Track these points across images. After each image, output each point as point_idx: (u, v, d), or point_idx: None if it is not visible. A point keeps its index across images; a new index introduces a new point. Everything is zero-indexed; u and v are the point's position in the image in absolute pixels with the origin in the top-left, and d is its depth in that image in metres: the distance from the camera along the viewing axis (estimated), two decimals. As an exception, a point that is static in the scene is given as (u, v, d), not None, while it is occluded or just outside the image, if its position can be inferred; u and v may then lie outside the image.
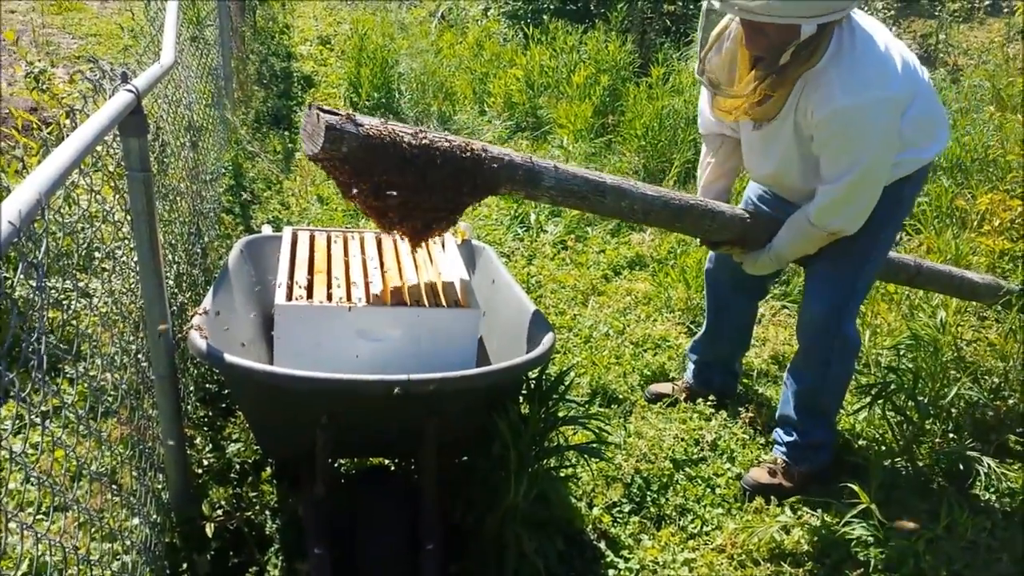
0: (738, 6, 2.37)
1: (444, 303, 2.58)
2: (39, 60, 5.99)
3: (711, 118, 2.92)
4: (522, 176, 2.45)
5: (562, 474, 2.83)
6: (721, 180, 3.03)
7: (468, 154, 2.34)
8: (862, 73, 2.43)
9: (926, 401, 3.07)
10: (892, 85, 2.48)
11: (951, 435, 3.13)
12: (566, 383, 2.57)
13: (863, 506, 2.58)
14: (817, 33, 2.36)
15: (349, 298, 2.52)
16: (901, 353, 3.40)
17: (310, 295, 2.52)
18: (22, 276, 1.50)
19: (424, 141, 2.27)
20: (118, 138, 2.14)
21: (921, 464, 3.05)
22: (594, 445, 2.71)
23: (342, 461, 2.84)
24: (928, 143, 2.69)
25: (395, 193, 2.26)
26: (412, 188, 2.28)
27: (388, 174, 2.24)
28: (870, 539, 2.63)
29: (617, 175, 2.74)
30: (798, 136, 2.58)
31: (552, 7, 8.24)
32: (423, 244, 2.54)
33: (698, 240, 3.08)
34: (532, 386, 2.55)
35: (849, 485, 2.66)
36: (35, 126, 4.15)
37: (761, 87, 2.50)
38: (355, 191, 2.27)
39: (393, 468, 2.85)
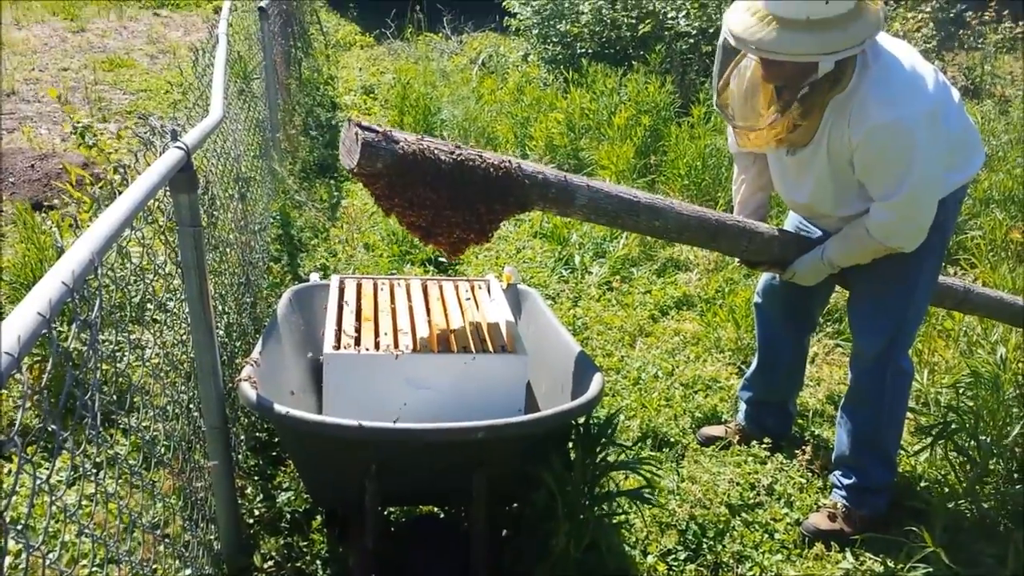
0: (754, 44, 2.36)
1: (491, 349, 2.57)
2: (90, 116, 6.14)
3: None
4: (555, 194, 2.47)
5: (614, 521, 2.78)
6: (759, 193, 3.02)
7: (501, 171, 2.36)
8: (894, 88, 2.41)
9: (989, 440, 2.97)
10: (925, 98, 2.44)
11: (1016, 475, 3.02)
12: (614, 426, 2.53)
13: (928, 550, 2.50)
14: (838, 64, 2.35)
15: (396, 345, 2.52)
16: (960, 391, 3.31)
17: (358, 343, 2.53)
18: (76, 330, 1.52)
19: (459, 157, 2.30)
20: (169, 193, 2.18)
21: (986, 506, 2.95)
22: (646, 490, 2.66)
23: (392, 509, 2.82)
24: (962, 164, 2.66)
25: (429, 208, 2.30)
26: (446, 203, 2.32)
27: (423, 189, 2.27)
28: (936, 585, 2.54)
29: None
30: (832, 163, 2.55)
31: (590, 51, 8.29)
32: (461, 255, 2.53)
33: (736, 259, 3.06)
34: (580, 431, 2.52)
35: (912, 529, 2.57)
36: (87, 181, 4.25)
37: (790, 115, 2.48)
38: (392, 204, 2.30)
39: (443, 516, 2.82)
